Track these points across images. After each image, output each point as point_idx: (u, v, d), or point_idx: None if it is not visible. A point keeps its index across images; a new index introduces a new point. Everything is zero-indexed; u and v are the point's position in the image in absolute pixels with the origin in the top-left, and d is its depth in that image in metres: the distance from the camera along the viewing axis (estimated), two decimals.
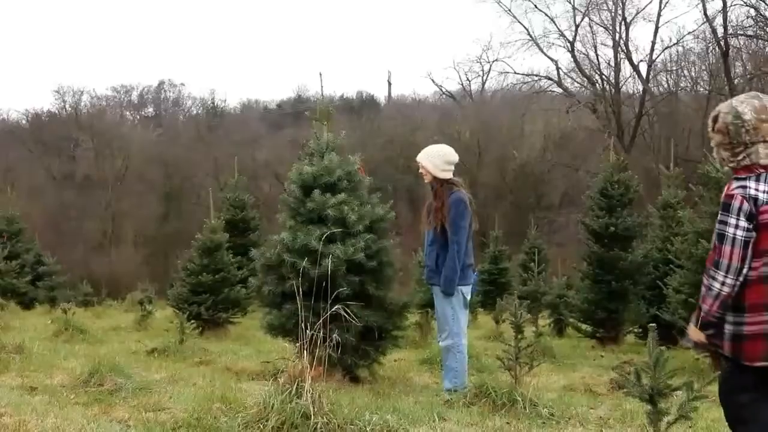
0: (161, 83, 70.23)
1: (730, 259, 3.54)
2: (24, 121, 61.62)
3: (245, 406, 5.02)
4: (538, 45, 46.73)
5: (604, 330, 13.09)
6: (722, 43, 37.21)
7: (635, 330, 13.36)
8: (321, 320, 5.13)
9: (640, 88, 44.90)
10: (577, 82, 48.15)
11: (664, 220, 13.24)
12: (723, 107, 3.74)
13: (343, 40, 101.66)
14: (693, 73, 44.53)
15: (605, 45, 46.05)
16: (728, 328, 3.59)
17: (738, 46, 38.67)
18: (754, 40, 37.56)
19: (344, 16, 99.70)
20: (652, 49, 43.52)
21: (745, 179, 3.60)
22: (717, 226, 3.61)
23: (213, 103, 68.68)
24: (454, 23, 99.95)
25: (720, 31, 37.83)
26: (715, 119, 3.73)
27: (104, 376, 6.58)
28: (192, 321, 12.22)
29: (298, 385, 4.82)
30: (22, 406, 5.49)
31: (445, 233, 7.12)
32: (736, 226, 3.54)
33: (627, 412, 6.02)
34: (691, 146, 36.89)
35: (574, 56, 46.09)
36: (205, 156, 52.71)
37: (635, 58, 45.71)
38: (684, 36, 47.41)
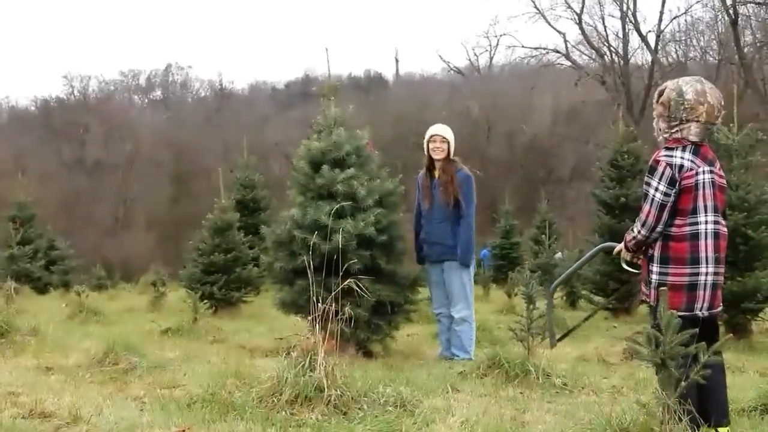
0: (168, 66, 70.60)
1: (647, 216, 4.07)
2: (33, 108, 61.91)
3: (259, 381, 5.04)
4: (545, 17, 46.23)
5: (617, 301, 13.05)
6: (731, 11, 36.75)
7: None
8: (333, 294, 5.13)
9: (649, 59, 44.57)
10: (586, 55, 47.73)
11: None
12: (669, 84, 4.17)
13: (349, 19, 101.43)
14: (702, 43, 44.26)
15: (613, 16, 45.96)
16: (653, 278, 4.14)
17: (747, 14, 38.26)
18: (764, 7, 37.06)
19: None
20: (660, 19, 43.15)
21: (673, 149, 4.06)
22: (643, 186, 4.13)
23: (221, 84, 68.80)
24: None
25: None
26: (661, 93, 4.16)
27: (119, 355, 6.63)
28: (205, 301, 12.27)
29: (311, 359, 4.83)
30: (38, 385, 5.53)
31: (458, 208, 7.23)
32: (656, 189, 4.03)
33: (640, 381, 6.03)
34: None
35: (581, 28, 45.67)
36: (214, 138, 52.75)
37: (643, 29, 45.51)
38: (692, 5, 46.90)
